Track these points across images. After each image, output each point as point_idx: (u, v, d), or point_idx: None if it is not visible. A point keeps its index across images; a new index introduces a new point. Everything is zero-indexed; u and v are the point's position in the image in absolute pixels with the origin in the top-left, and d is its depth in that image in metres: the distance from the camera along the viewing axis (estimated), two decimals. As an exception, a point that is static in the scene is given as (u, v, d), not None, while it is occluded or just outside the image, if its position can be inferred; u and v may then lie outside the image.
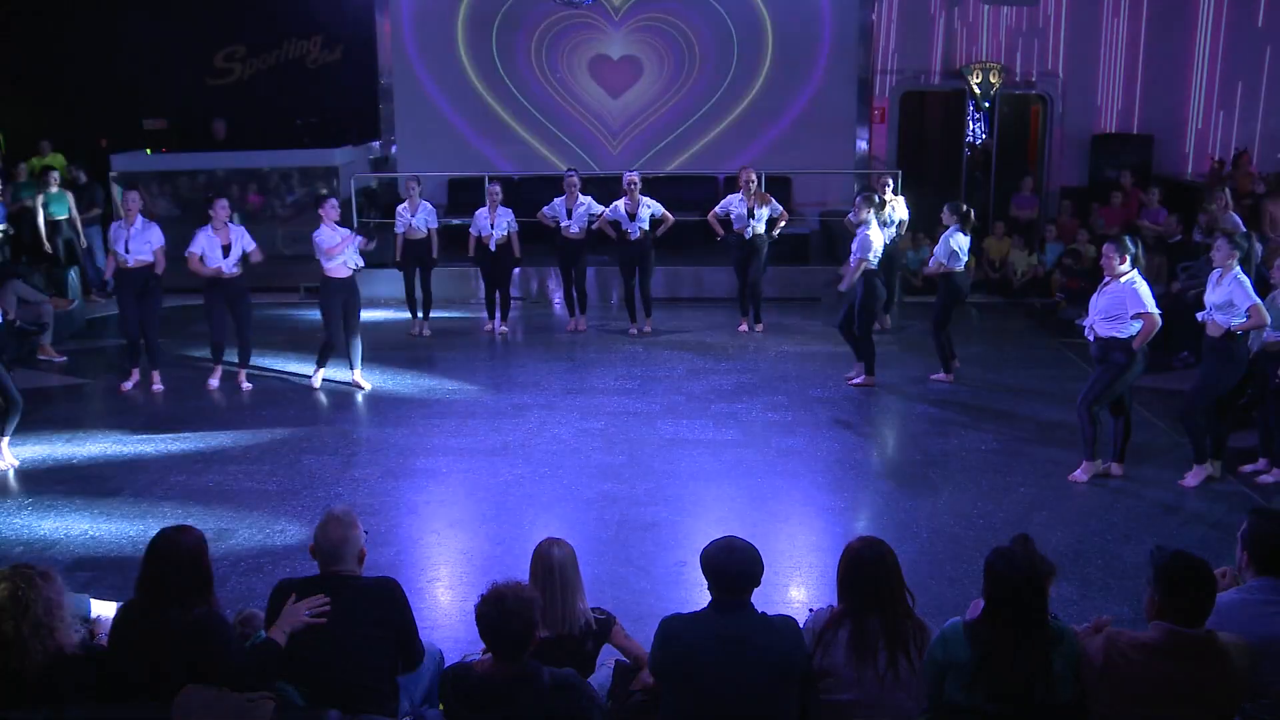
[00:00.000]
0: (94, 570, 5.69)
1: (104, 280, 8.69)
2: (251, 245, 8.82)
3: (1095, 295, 6.73)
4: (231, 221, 8.87)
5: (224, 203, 8.81)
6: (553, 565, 3.83)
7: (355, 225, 12.21)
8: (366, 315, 9.47)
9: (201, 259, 8.62)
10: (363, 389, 8.90)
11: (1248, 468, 6.94)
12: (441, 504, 6.72)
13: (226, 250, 8.65)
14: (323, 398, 8.79)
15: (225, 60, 15.12)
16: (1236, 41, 13.45)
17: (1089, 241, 12.13)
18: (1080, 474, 6.90)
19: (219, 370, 9.06)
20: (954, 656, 3.26)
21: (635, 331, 10.67)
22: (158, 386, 9.00)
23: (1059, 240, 12.38)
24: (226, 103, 14.75)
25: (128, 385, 9.02)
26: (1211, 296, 6.53)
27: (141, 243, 8.68)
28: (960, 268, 8.86)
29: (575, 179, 10.50)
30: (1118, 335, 6.57)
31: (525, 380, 9.07)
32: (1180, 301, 9.81)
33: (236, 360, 9.04)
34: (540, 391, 8.87)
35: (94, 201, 12.49)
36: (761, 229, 10.43)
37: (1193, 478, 6.79)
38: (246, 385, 8.98)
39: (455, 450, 7.59)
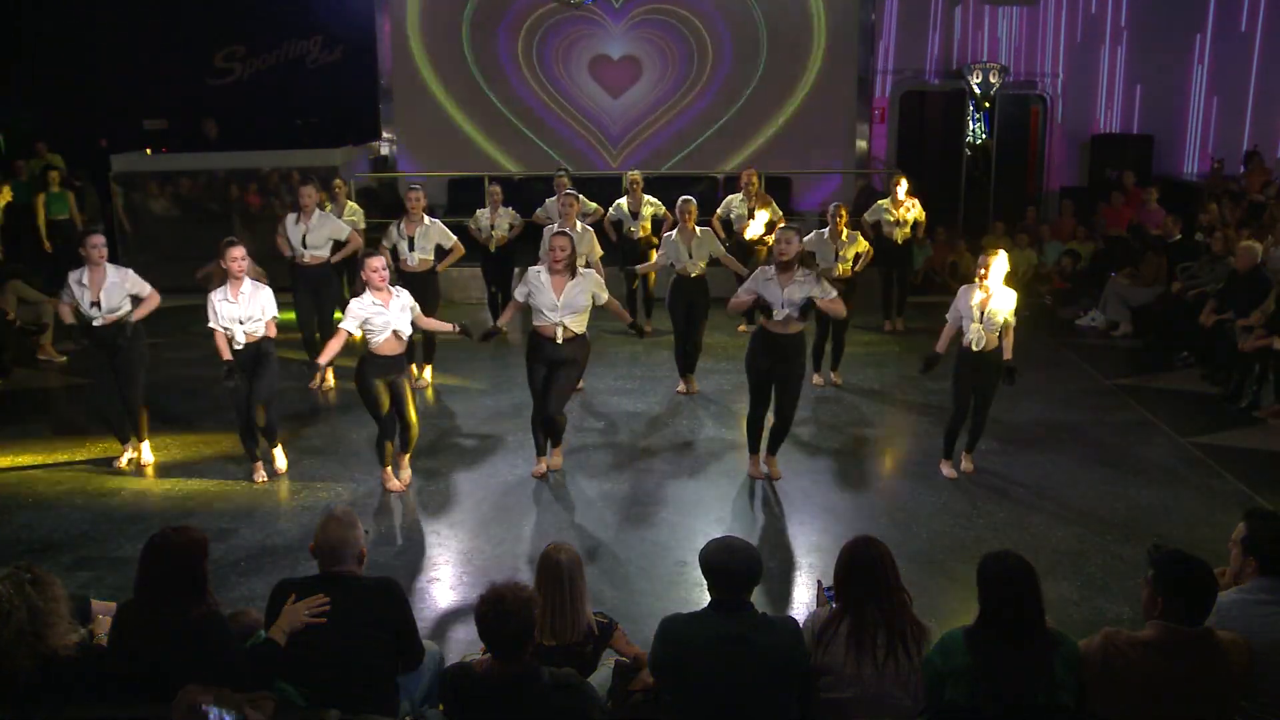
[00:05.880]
0: (94, 570, 5.69)
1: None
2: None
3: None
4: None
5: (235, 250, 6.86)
6: (562, 574, 3.80)
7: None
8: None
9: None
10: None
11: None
12: (441, 504, 6.72)
13: None
14: (324, 398, 8.79)
15: (225, 60, 15.11)
16: (1236, 40, 13.45)
17: (1088, 240, 12.16)
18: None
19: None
20: (953, 664, 3.26)
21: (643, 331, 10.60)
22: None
23: (1055, 239, 12.37)
24: (226, 102, 14.74)
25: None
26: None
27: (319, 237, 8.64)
28: None
29: (565, 178, 10.16)
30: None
31: (525, 379, 9.03)
32: (1180, 301, 9.83)
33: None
34: (540, 391, 8.85)
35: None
36: (761, 230, 10.41)
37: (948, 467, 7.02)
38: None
39: (455, 449, 7.59)
